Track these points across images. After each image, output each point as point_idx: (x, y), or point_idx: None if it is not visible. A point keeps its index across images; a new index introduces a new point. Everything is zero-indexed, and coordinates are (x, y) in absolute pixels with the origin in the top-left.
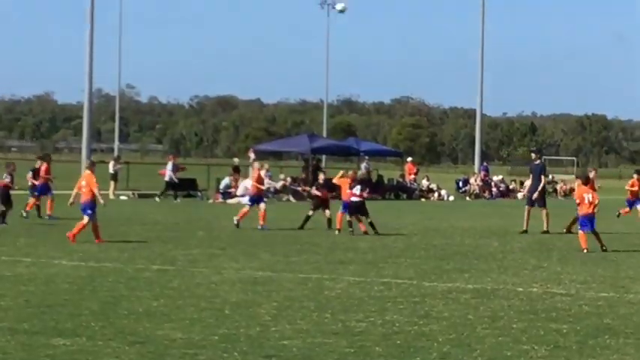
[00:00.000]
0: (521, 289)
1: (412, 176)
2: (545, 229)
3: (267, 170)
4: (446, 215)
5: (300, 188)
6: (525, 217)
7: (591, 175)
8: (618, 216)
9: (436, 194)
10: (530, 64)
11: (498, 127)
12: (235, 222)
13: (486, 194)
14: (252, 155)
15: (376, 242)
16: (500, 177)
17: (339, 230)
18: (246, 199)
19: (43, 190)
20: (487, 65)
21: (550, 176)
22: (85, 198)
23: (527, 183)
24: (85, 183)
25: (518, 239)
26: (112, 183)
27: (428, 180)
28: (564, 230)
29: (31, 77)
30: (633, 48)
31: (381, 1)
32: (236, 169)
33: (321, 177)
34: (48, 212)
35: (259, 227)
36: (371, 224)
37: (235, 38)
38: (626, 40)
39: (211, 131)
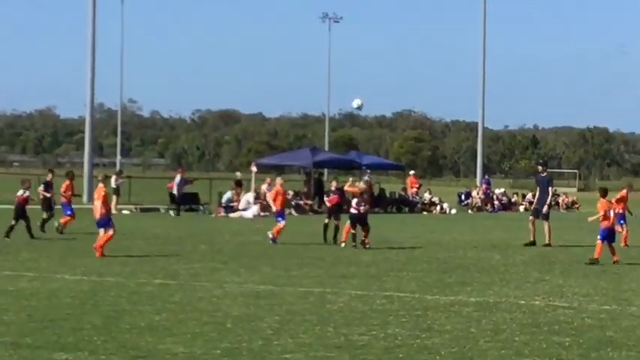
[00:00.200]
0: (523, 302)
1: (414, 190)
2: (547, 242)
3: (269, 184)
4: (448, 228)
5: (302, 202)
6: (531, 229)
7: (624, 191)
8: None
9: (438, 207)
10: (531, 77)
11: (500, 140)
12: (272, 239)
13: (488, 207)
14: (254, 169)
15: (378, 256)
16: (502, 190)
17: (344, 242)
18: (250, 212)
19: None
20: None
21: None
22: (102, 211)
23: (530, 196)
24: (97, 196)
25: (521, 252)
26: (114, 197)
27: (430, 193)
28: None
29: (33, 92)
30: (635, 61)
31: (382, 14)
32: (238, 183)
33: (334, 184)
34: (59, 225)
35: (270, 239)
36: (353, 236)
37: (237, 52)
38: (627, 52)
39: (213, 145)
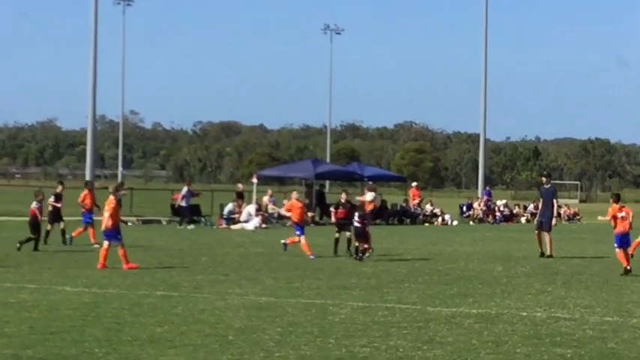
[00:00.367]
0: (525, 314)
1: (416, 201)
2: (549, 253)
3: (271, 196)
4: (449, 240)
5: None
6: (538, 242)
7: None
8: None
9: (440, 219)
10: (533, 88)
11: (502, 151)
12: (312, 257)
13: (490, 219)
14: (255, 181)
15: (380, 267)
16: (504, 201)
17: (369, 252)
18: (251, 224)
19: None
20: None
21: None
22: (109, 223)
23: (532, 207)
24: (106, 208)
25: (522, 264)
26: None
27: (431, 205)
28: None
29: (34, 104)
30: (636, 72)
31: (384, 26)
32: (240, 195)
33: (344, 196)
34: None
35: (311, 257)
36: (356, 249)
37: (238, 64)
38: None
39: (215, 157)
